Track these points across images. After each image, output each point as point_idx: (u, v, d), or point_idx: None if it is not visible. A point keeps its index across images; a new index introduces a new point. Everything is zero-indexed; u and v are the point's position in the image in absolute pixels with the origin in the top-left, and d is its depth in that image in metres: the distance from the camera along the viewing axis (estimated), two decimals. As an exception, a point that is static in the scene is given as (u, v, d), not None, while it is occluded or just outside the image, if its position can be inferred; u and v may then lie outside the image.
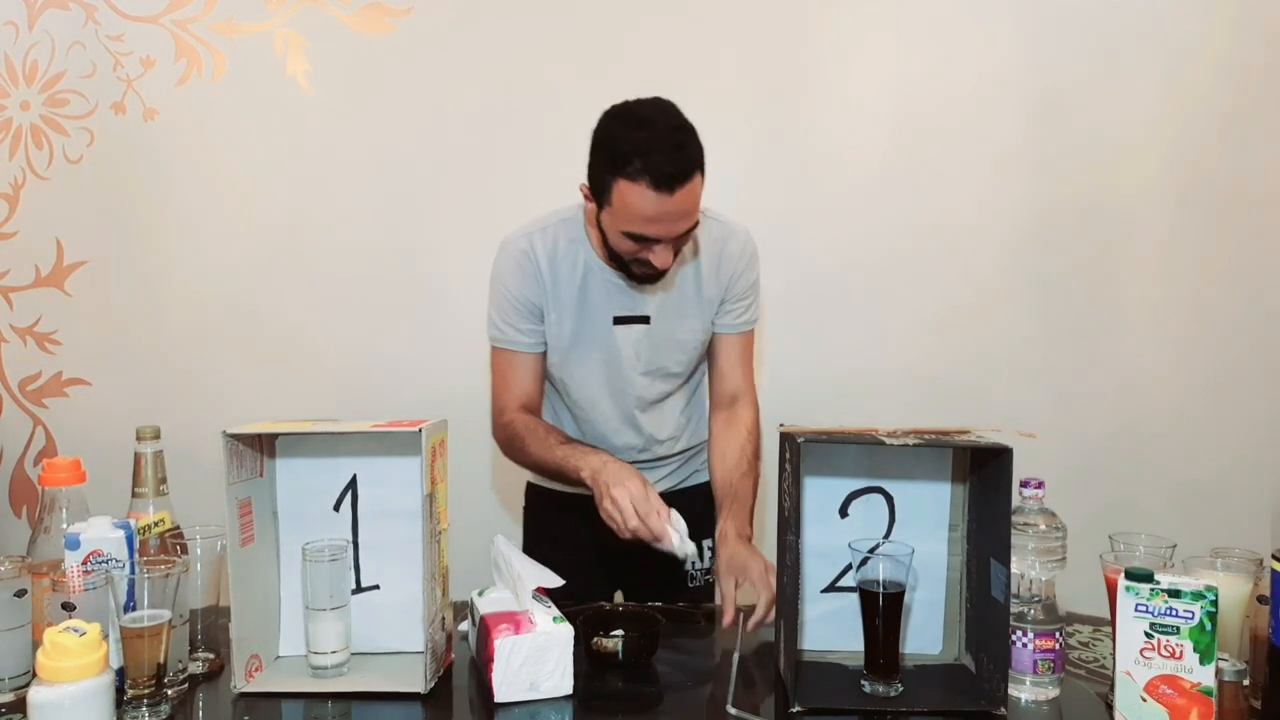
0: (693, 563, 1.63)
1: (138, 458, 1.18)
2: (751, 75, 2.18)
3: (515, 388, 1.55)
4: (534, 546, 1.73)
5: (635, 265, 1.41)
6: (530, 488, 1.76)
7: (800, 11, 2.18)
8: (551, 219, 1.54)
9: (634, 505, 1.30)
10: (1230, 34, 2.17)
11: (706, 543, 1.64)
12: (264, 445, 1.18)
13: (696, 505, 1.67)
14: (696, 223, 1.38)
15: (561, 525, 1.66)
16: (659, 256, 1.37)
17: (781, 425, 1.19)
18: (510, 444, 1.54)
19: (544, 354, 1.56)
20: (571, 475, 1.43)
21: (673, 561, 1.62)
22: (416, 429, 1.07)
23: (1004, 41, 2.18)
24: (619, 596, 1.66)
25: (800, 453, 1.10)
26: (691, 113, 2.32)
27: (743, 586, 1.38)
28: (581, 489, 1.60)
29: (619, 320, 1.52)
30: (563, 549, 1.62)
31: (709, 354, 1.64)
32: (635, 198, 1.30)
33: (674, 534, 1.30)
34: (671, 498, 1.63)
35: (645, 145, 1.29)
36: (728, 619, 1.34)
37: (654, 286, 1.50)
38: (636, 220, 1.33)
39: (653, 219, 1.32)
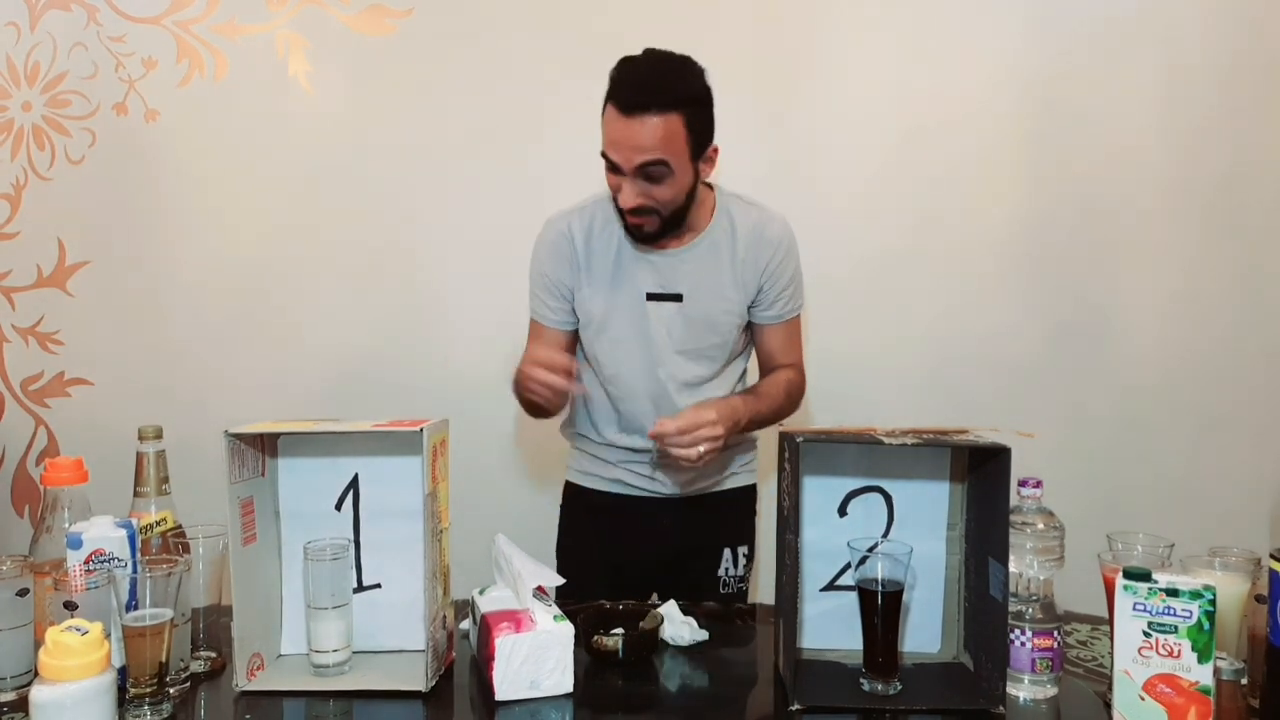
0: (726, 569, 1.64)
1: (140, 457, 1.19)
2: (752, 77, 2.18)
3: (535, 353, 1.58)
4: (568, 545, 1.73)
5: (619, 210, 1.46)
6: (568, 486, 1.75)
7: (800, 13, 2.18)
8: (590, 200, 1.58)
9: (533, 370, 1.37)
10: (1230, 33, 2.17)
11: (742, 549, 1.66)
12: (266, 445, 1.18)
13: (735, 508, 1.68)
14: (662, 164, 1.38)
15: (596, 525, 1.67)
16: (624, 194, 1.41)
17: (781, 425, 1.19)
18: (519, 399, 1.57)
19: (571, 332, 1.60)
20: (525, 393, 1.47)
21: (707, 564, 1.63)
22: (418, 429, 1.07)
23: (1004, 41, 2.18)
24: (654, 598, 1.66)
25: (799, 452, 1.10)
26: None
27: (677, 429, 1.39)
28: (618, 487, 1.62)
29: (652, 297, 1.53)
30: (597, 549, 1.64)
31: (755, 340, 1.64)
32: (607, 116, 1.39)
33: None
34: (708, 500, 1.64)
35: (625, 72, 1.40)
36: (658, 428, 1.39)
37: (686, 264, 1.52)
38: (606, 140, 1.40)
39: (614, 141, 1.39)
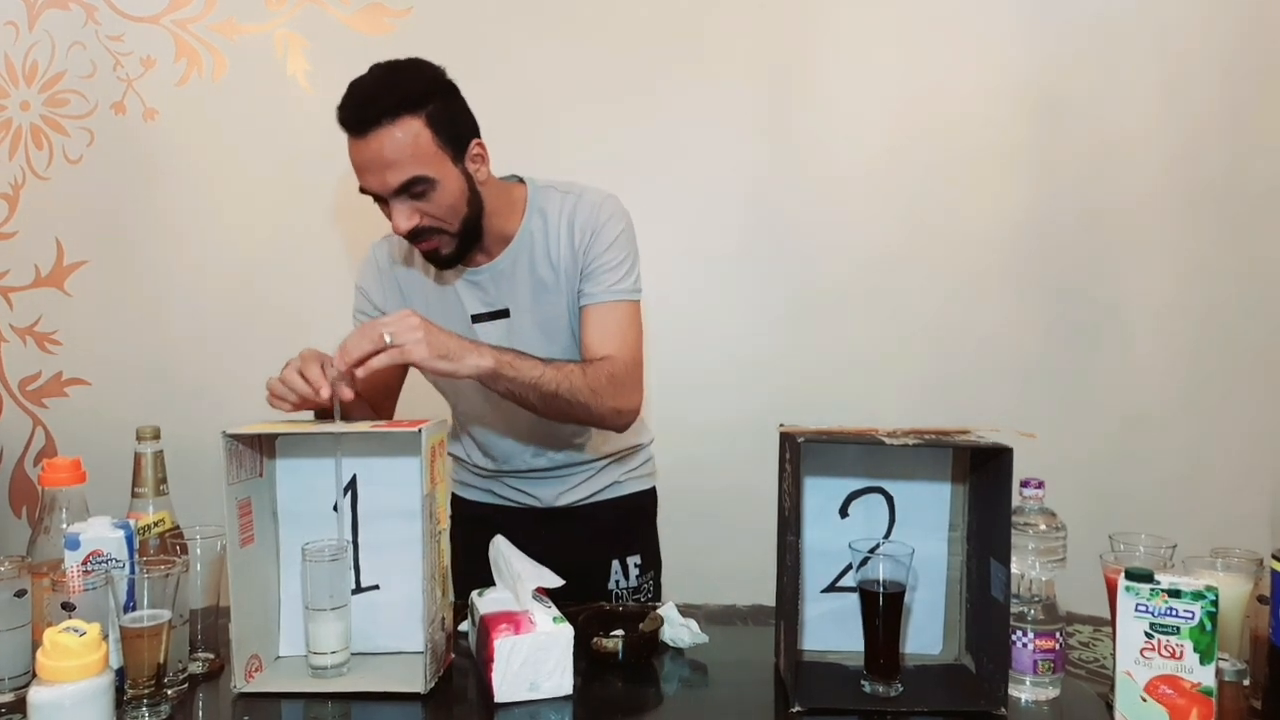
0: (617, 581, 1.59)
1: (137, 458, 1.18)
2: (754, 80, 2.18)
3: None
4: (460, 561, 1.64)
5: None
6: (454, 500, 1.67)
7: (802, 16, 2.18)
8: None
9: (288, 380, 1.19)
10: (1230, 34, 2.17)
11: (633, 560, 1.60)
12: (263, 445, 1.17)
13: (622, 518, 1.61)
14: (420, 180, 1.29)
15: (478, 537, 1.41)
16: (395, 220, 1.32)
17: (781, 425, 1.19)
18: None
19: None
20: None
21: (595, 578, 1.56)
22: (416, 429, 1.07)
23: (1005, 44, 2.18)
24: None
25: (800, 453, 1.10)
26: (694, 117, 2.31)
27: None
28: (491, 498, 1.56)
29: (477, 319, 1.46)
30: (479, 562, 1.40)
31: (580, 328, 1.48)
32: (348, 146, 1.30)
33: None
34: (589, 511, 1.57)
35: (349, 93, 1.29)
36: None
37: (506, 275, 1.43)
38: (356, 171, 1.31)
39: (360, 167, 1.30)
